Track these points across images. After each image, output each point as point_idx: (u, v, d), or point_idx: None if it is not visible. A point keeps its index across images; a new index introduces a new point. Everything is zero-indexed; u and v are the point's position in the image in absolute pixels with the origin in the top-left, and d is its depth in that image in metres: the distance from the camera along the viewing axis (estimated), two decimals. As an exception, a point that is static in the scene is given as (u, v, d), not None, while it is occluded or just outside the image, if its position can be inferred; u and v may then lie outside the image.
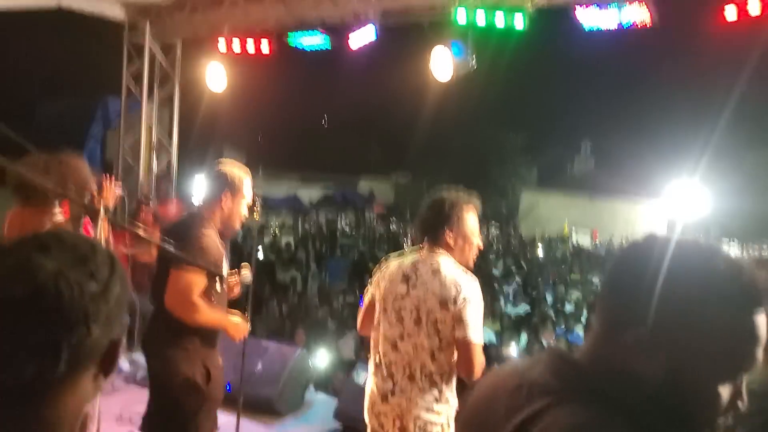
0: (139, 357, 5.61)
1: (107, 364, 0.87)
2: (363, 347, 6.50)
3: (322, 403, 5.14)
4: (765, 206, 29.21)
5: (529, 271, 13.60)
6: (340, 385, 5.50)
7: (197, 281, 2.66)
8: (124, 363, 5.44)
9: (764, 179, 31.86)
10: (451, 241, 2.59)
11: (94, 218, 1.75)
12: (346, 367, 6.30)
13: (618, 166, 36.17)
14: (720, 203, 21.41)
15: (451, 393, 2.53)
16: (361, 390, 4.57)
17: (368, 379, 2.73)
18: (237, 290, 3.17)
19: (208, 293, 2.77)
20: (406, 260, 2.65)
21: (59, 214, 2.81)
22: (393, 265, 2.68)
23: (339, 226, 23.26)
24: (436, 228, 2.60)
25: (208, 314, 2.76)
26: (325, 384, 5.98)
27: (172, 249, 2.58)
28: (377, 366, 2.65)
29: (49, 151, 2.85)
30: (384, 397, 2.58)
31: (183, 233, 2.75)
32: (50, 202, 2.80)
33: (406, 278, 2.57)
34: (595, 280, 12.84)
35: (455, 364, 2.51)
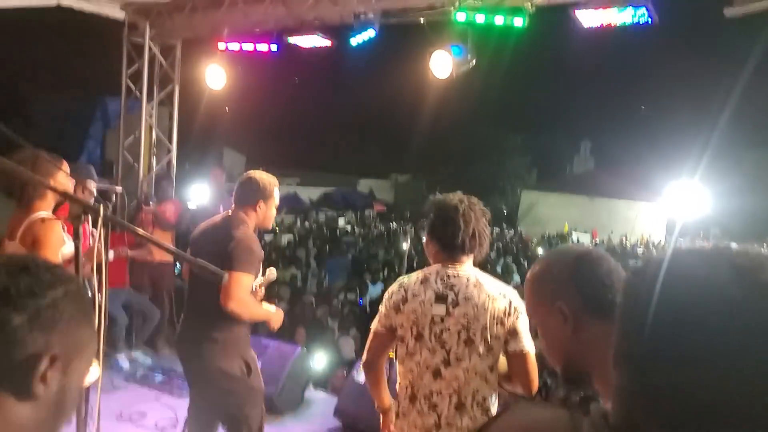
0: (139, 356, 5.64)
1: (29, 376, 0.78)
2: (362, 346, 6.48)
3: (321, 402, 5.16)
4: (765, 206, 29.21)
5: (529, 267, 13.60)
6: (340, 383, 5.51)
7: (248, 281, 2.85)
8: (124, 362, 5.45)
9: (764, 179, 31.87)
10: (474, 253, 2.44)
11: (94, 218, 1.74)
12: (346, 365, 6.30)
13: (617, 166, 36.23)
14: (720, 203, 21.44)
15: None
16: (360, 388, 4.61)
17: (400, 420, 2.41)
18: (262, 292, 3.22)
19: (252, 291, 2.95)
20: (429, 277, 2.37)
21: (45, 214, 2.78)
22: (413, 285, 2.38)
23: (339, 224, 23.25)
24: (468, 245, 2.38)
25: (259, 309, 3.01)
26: (324, 382, 5.99)
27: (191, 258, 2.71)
28: (411, 401, 2.35)
29: (47, 150, 2.84)
30: None
31: (227, 235, 2.88)
32: (31, 200, 2.78)
33: (441, 298, 2.30)
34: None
35: (513, 380, 2.34)
